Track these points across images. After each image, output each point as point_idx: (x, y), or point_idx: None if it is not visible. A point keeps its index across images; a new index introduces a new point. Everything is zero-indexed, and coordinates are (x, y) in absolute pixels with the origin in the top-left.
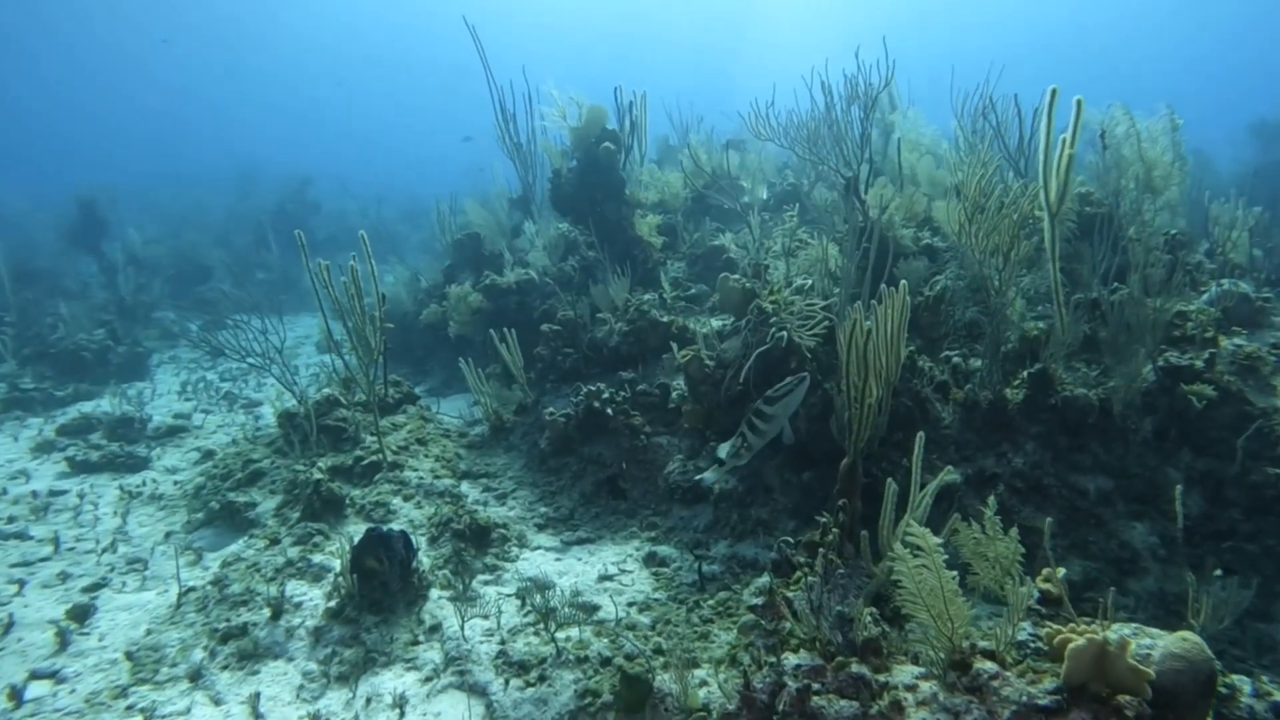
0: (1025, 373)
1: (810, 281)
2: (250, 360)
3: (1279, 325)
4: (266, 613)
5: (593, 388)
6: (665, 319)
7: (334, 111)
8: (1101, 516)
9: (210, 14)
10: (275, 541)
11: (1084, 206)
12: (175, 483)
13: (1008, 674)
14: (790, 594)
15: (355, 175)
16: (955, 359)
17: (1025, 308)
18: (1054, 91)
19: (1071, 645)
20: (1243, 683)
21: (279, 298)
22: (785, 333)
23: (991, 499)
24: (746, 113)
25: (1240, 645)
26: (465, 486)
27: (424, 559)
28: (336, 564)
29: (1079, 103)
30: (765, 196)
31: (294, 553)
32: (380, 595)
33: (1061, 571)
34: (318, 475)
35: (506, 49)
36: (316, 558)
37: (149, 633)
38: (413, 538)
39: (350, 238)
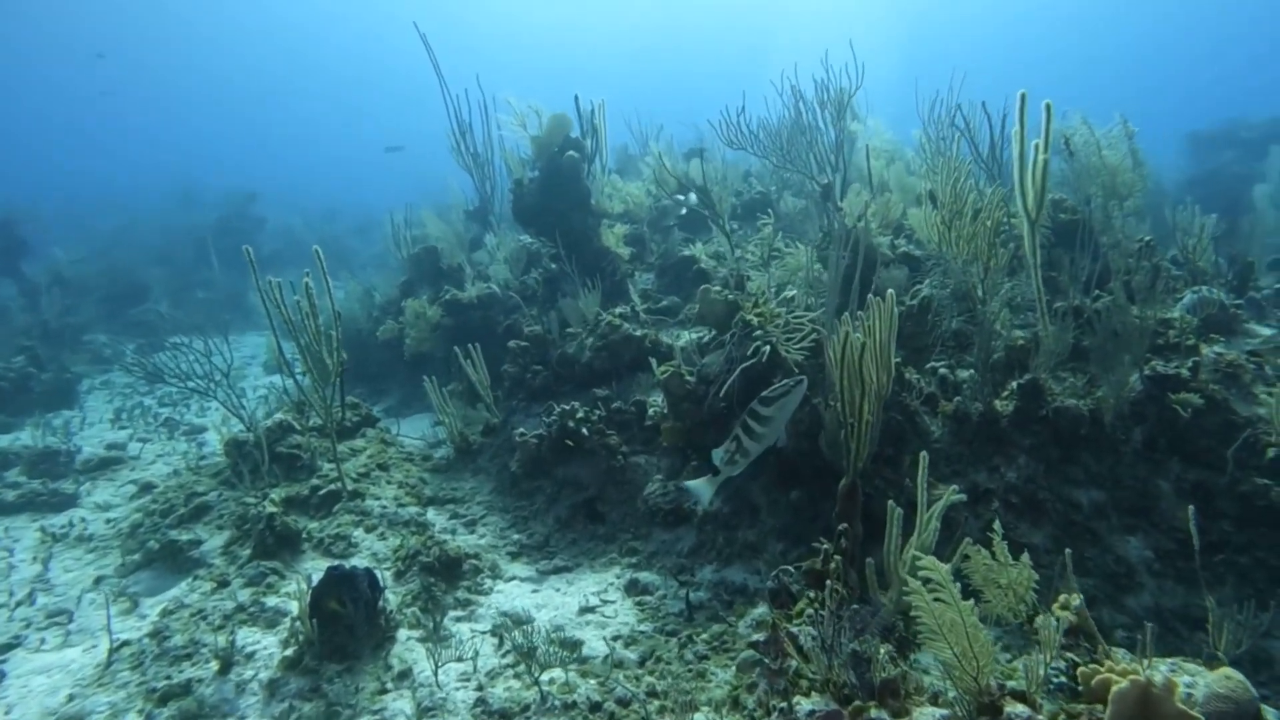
0: (1015, 384)
1: (794, 292)
2: (191, 384)
3: (1253, 332)
4: (214, 666)
5: (567, 406)
6: (639, 333)
7: (279, 122)
8: (1096, 531)
9: (144, 18)
10: (223, 584)
11: (1058, 213)
12: (108, 521)
13: (1040, 718)
14: (794, 628)
15: (304, 189)
16: (942, 370)
17: (1009, 316)
18: (1024, 96)
19: (1115, 689)
20: None
21: (222, 317)
22: (770, 345)
23: (997, 524)
24: (715, 121)
25: (1236, 663)
26: (431, 514)
27: (390, 596)
28: (294, 607)
29: (1048, 107)
30: (692, 202)
31: (245, 596)
32: (344, 640)
33: (1078, 599)
34: (270, 508)
35: (463, 56)
36: (271, 600)
37: (71, 699)
38: (378, 574)
39: (297, 253)
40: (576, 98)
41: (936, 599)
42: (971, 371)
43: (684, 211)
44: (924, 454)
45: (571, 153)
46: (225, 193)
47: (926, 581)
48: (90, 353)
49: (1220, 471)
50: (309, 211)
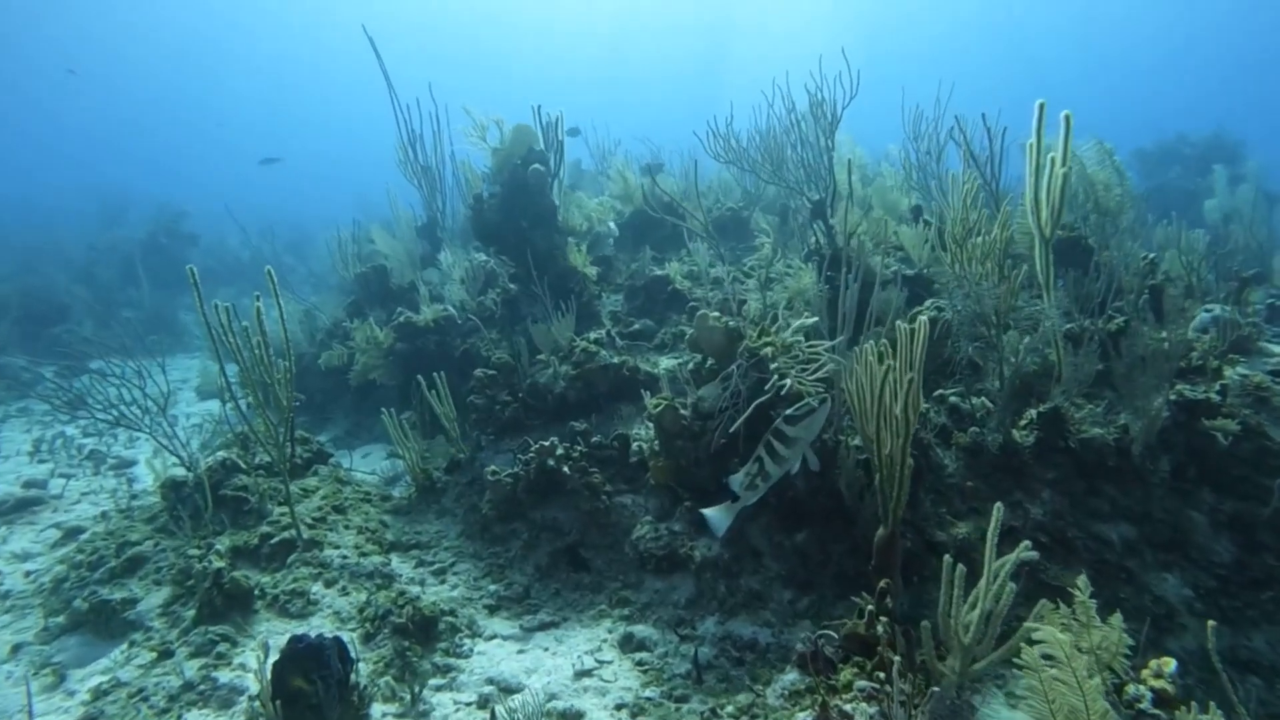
0: (1034, 412)
1: (806, 321)
2: (115, 413)
3: (1268, 351)
4: None
5: (545, 443)
6: (616, 360)
7: (211, 135)
8: (1131, 569)
9: (69, 26)
10: (166, 653)
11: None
12: (27, 574)
13: None
14: (847, 706)
15: (236, 204)
16: (953, 399)
17: (1027, 341)
18: (1041, 106)
19: None
20: None
21: (149, 338)
22: (788, 380)
23: (1083, 579)
24: (701, 134)
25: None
26: (396, 562)
27: (361, 666)
28: (250, 682)
29: (1067, 118)
30: (613, 232)
31: (192, 670)
32: None
33: (1172, 665)
34: (218, 562)
35: (414, 66)
36: (224, 675)
37: None
38: (347, 642)
39: (231, 272)
40: (536, 109)
41: (1055, 679)
42: (981, 399)
43: (611, 241)
44: (998, 505)
45: (537, 166)
46: (154, 208)
47: (1049, 658)
48: (8, 377)
49: (1258, 501)
50: (246, 228)
